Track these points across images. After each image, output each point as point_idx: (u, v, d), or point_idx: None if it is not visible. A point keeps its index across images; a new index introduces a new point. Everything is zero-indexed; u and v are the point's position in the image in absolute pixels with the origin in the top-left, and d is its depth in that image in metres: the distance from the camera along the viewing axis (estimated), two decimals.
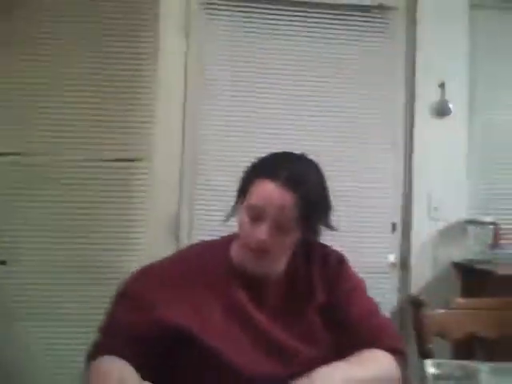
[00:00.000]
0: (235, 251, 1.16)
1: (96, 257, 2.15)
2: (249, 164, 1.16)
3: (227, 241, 1.20)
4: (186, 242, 2.17)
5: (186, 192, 2.24)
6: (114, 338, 1.07)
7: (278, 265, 1.15)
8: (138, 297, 1.10)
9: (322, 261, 1.19)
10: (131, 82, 2.18)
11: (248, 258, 1.12)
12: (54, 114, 2.19)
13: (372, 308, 1.20)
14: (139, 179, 2.19)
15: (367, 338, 1.12)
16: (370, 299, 1.22)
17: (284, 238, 1.10)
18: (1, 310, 2.12)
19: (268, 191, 1.07)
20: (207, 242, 1.26)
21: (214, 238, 1.25)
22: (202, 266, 1.16)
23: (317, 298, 1.16)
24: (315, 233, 1.16)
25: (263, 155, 1.16)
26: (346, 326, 1.14)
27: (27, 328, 2.13)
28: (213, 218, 2.16)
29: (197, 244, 1.29)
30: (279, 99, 2.36)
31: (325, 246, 1.23)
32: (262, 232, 1.07)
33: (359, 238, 2.36)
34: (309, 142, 2.23)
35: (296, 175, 1.09)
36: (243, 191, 1.14)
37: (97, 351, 1.07)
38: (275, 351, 1.11)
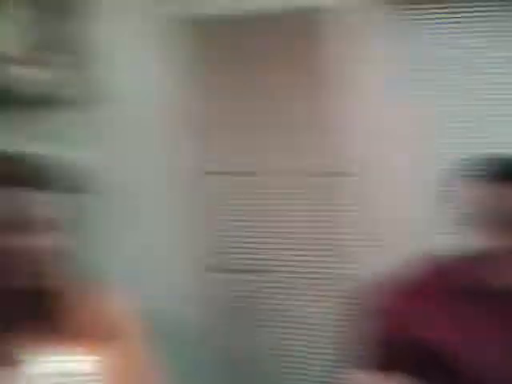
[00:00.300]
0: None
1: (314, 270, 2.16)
2: None
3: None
4: None
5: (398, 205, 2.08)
6: (372, 353, 1.04)
7: None
8: (392, 312, 1.07)
9: None
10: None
11: None
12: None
13: None
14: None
15: None
16: None
17: None
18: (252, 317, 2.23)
19: None
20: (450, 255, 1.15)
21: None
22: (441, 282, 1.08)
23: None
24: None
25: None
26: None
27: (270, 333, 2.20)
28: None
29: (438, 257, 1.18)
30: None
31: None
32: None
33: None
34: None
35: None
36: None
37: (356, 363, 1.06)
38: None
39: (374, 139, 2.11)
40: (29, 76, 1.94)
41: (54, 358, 0.97)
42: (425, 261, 1.19)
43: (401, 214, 2.08)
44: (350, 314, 1.14)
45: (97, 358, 1.00)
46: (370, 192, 2.13)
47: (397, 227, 2.08)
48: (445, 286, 1.09)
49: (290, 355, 2.20)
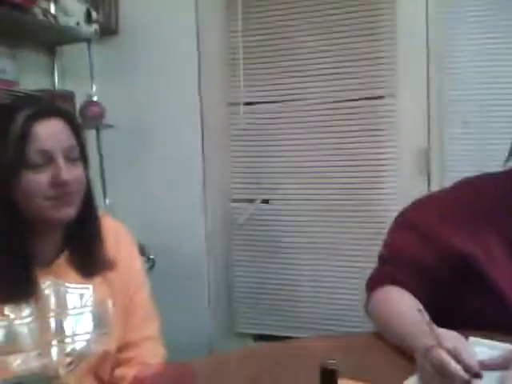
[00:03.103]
0: None
1: (351, 195, 2.16)
2: None
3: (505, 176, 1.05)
4: (437, 179, 2.05)
5: (434, 129, 2.07)
6: (398, 267, 1.04)
7: None
8: (420, 226, 1.06)
9: None
10: (372, 17, 2.06)
11: None
12: (295, 61, 2.19)
13: None
14: (386, 116, 2.11)
15: None
16: None
17: None
18: (269, 244, 2.27)
19: None
20: (487, 174, 1.11)
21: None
22: (482, 199, 1.05)
23: None
24: None
25: None
26: None
27: (294, 260, 2.24)
28: (466, 156, 2.00)
29: (476, 176, 1.13)
30: None
31: None
32: None
33: None
34: None
35: None
36: None
37: (380, 279, 1.06)
38: None
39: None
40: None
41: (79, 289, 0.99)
42: (465, 181, 1.14)
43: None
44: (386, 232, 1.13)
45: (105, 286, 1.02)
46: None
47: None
48: (484, 203, 1.04)
49: (318, 280, 2.21)
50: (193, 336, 2.17)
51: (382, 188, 2.12)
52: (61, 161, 0.91)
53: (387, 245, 1.11)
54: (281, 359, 0.97)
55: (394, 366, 0.90)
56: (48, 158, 0.90)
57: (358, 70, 2.12)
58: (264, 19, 2.22)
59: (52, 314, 0.95)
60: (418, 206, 1.11)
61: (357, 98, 2.14)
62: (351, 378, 0.80)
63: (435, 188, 1.99)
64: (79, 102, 2.13)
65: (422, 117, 2.09)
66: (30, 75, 2.05)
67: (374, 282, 1.09)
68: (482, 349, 0.88)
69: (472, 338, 0.91)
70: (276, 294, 2.27)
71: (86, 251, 1.00)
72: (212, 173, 2.33)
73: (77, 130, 0.96)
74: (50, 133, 0.90)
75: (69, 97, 2.12)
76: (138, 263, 1.11)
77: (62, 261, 0.99)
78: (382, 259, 1.11)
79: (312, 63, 2.17)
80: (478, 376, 0.74)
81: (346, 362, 0.80)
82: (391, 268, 1.07)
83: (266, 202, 2.28)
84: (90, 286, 1.01)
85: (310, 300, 2.23)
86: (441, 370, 0.75)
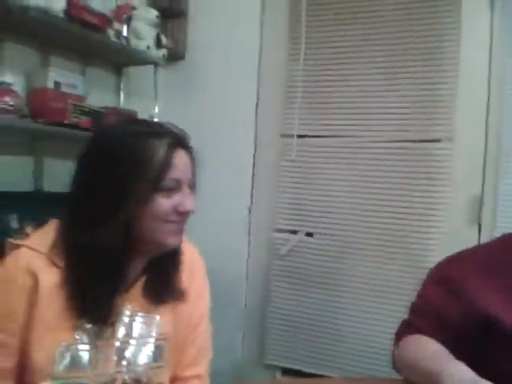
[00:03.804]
0: None
1: (398, 237, 2.14)
2: None
3: None
4: (488, 229, 2.02)
5: (489, 175, 2.06)
6: (426, 319, 1.05)
7: None
8: (451, 281, 1.06)
9: None
10: (433, 61, 2.09)
11: None
12: (351, 98, 2.23)
13: None
14: (442, 160, 2.10)
15: None
16: None
17: None
18: (308, 278, 2.26)
19: None
20: None
21: None
22: None
23: None
24: None
25: None
26: None
27: (332, 297, 2.23)
28: None
29: (507, 234, 1.15)
30: None
31: None
32: None
33: None
34: None
35: None
36: None
37: (407, 329, 1.08)
38: None
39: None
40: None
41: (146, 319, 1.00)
42: (504, 237, 1.13)
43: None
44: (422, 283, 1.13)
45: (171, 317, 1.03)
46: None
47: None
48: (507, 260, 1.04)
49: (354, 320, 2.16)
50: (223, 361, 2.16)
51: (431, 233, 2.06)
52: (187, 190, 0.97)
53: (419, 296, 1.12)
54: None
55: None
56: (178, 186, 0.96)
57: (415, 111, 2.10)
58: (325, 55, 2.25)
59: (117, 342, 0.97)
60: (452, 259, 1.11)
61: (412, 139, 2.11)
62: None
63: (485, 238, 1.93)
64: None
65: (477, 163, 2.04)
66: (97, 92, 2.16)
67: (402, 331, 1.08)
68: None
69: None
70: (310, 329, 2.23)
71: (162, 280, 1.02)
72: (259, 201, 2.36)
73: (196, 162, 1.01)
74: (184, 162, 0.97)
75: (132, 115, 2.22)
76: (207, 294, 1.13)
77: (138, 287, 1.01)
78: (412, 310, 1.11)
79: (369, 101, 2.17)
80: None
81: None
82: (419, 320, 1.07)
83: (309, 235, 2.27)
84: (157, 316, 1.02)
85: (343, 339, 2.18)
86: None
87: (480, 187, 2.05)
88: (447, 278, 1.07)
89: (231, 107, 2.37)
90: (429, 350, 0.99)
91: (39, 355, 0.89)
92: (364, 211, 2.17)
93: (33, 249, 0.93)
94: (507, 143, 2.00)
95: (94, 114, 1.90)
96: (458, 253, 1.13)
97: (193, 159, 0.99)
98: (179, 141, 0.97)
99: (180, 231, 0.98)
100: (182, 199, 0.95)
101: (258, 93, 2.36)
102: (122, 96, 2.34)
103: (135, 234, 0.94)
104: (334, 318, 2.20)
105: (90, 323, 0.93)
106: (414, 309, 1.11)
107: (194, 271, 1.09)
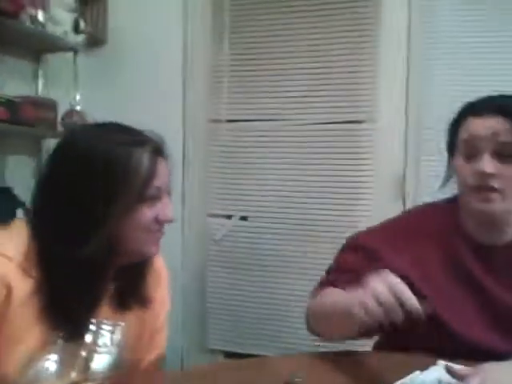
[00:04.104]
0: (462, 217, 1.09)
1: (327, 216, 2.19)
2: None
3: (452, 204, 1.13)
4: (411, 202, 2.10)
5: (411, 153, 2.14)
6: (341, 277, 1.09)
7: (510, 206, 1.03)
8: (367, 249, 1.11)
9: None
10: (355, 44, 2.14)
11: (476, 206, 1.03)
12: (279, 81, 2.24)
13: None
14: (366, 140, 2.17)
15: None
16: None
17: (508, 172, 1.00)
18: (245, 261, 2.27)
19: (476, 124, 1.03)
20: (433, 203, 1.21)
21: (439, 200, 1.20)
22: (425, 224, 1.12)
23: None
24: None
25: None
26: None
27: (269, 278, 2.25)
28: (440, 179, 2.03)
29: (423, 205, 1.25)
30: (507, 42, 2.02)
31: None
32: (482, 165, 1.00)
33: None
34: None
35: (500, 103, 1.04)
36: (453, 139, 1.09)
37: (321, 287, 1.12)
38: (502, 319, 1.02)
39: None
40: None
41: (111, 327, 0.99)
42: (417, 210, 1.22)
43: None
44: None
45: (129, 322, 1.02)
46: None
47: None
48: (416, 227, 1.12)
49: (291, 299, 2.21)
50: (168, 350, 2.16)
51: (358, 211, 2.15)
52: (167, 198, 0.95)
53: (335, 260, 1.17)
54: (247, 377, 0.97)
55: (359, 383, 0.92)
56: (159, 194, 0.93)
57: (339, 94, 2.17)
58: (250, 39, 2.26)
59: (84, 351, 0.95)
60: (368, 230, 1.18)
61: (337, 121, 2.18)
62: None
63: None
64: (62, 110, 2.13)
65: (399, 143, 2.14)
66: (13, 81, 2.05)
67: (316, 289, 1.13)
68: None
69: (441, 362, 0.93)
70: (250, 311, 2.27)
71: (130, 288, 1.01)
72: (191, 187, 2.34)
73: (172, 170, 0.99)
74: (164, 170, 0.95)
75: (51, 105, 2.12)
76: (168, 300, 1.13)
77: (105, 296, 0.98)
78: (328, 272, 1.16)
79: (295, 85, 2.21)
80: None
81: (311, 379, 0.81)
82: (334, 277, 1.12)
83: (244, 218, 2.29)
84: (123, 324, 1.00)
85: (282, 319, 2.23)
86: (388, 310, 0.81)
87: (402, 165, 2.15)
88: (363, 246, 1.12)
89: (156, 93, 2.32)
90: (344, 292, 1.02)
91: (7, 367, 0.86)
92: (295, 192, 2.22)
93: (6, 256, 0.87)
94: (426, 122, 2.10)
95: (9, 104, 1.81)
96: (375, 225, 1.19)
97: (170, 166, 0.98)
98: (160, 149, 0.95)
99: (159, 240, 0.98)
100: (163, 208, 0.94)
101: (183, 78, 2.33)
102: (40, 84, 2.23)
103: (117, 245, 0.92)
104: (272, 299, 2.25)
105: (63, 337, 0.90)
106: (330, 271, 1.16)
107: (160, 279, 1.09)
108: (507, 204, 1.02)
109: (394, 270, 1.02)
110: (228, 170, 2.30)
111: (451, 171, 1.12)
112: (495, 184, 1.00)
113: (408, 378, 0.91)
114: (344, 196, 2.18)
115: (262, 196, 2.26)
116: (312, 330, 1.12)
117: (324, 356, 1.04)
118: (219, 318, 2.31)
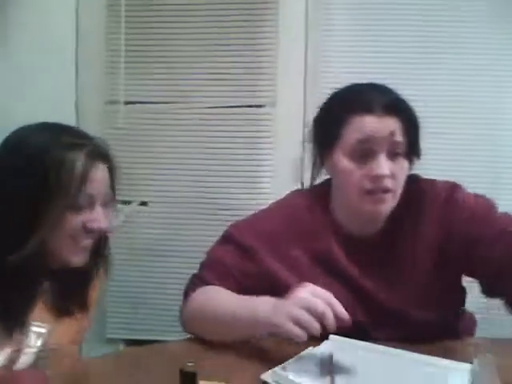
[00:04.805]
0: (336, 211, 1.08)
1: (227, 201, 2.18)
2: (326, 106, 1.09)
3: (320, 191, 1.13)
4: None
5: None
6: (215, 272, 1.08)
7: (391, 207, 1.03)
8: (239, 243, 1.10)
9: (430, 201, 1.06)
10: (255, 27, 2.14)
11: (367, 208, 1.01)
12: (180, 63, 2.18)
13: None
14: (265, 125, 2.17)
15: None
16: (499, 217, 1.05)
17: (399, 172, 1.00)
18: (144, 247, 2.23)
19: (370, 123, 0.98)
20: (302, 193, 1.21)
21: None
22: (294, 217, 1.11)
23: (426, 255, 1.05)
24: (419, 154, 1.06)
25: (337, 92, 1.10)
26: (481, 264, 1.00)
27: (170, 263, 2.22)
28: None
29: (293, 194, 1.23)
30: (406, 34, 2.13)
31: (429, 182, 1.10)
32: (379, 168, 0.96)
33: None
34: (424, 72, 2.10)
35: (392, 100, 1.01)
36: (333, 136, 1.03)
37: (196, 285, 1.10)
38: (364, 304, 1.04)
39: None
40: None
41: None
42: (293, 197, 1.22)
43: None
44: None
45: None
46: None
47: None
48: (287, 222, 1.12)
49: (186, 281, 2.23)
50: None
51: (257, 194, 2.18)
52: (99, 207, 0.90)
53: (208, 254, 1.16)
54: (143, 363, 0.96)
55: (250, 363, 0.94)
56: (91, 202, 0.89)
57: (239, 78, 2.17)
58: (148, 19, 2.19)
59: (9, 352, 0.91)
60: (244, 223, 1.17)
61: (237, 105, 2.19)
62: (210, 379, 0.82)
63: None
64: None
65: (298, 127, 2.18)
66: None
67: (191, 287, 1.11)
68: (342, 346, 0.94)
69: (333, 337, 0.97)
70: (150, 297, 2.23)
71: (63, 292, 0.97)
72: None
73: (115, 177, 0.95)
74: (101, 177, 0.90)
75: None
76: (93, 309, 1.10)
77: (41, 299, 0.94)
78: (204, 266, 1.14)
79: (194, 67, 2.18)
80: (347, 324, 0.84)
81: (205, 363, 0.82)
82: (209, 273, 1.10)
83: (144, 204, 2.24)
84: (52, 326, 0.96)
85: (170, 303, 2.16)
86: (320, 317, 0.82)
87: (301, 149, 2.19)
88: (238, 241, 1.11)
89: (47, 75, 2.17)
90: (225, 294, 1.03)
91: None
92: (195, 177, 2.21)
93: None
94: None
95: None
96: (252, 215, 1.19)
97: (111, 171, 0.94)
98: (98, 152, 0.90)
99: (86, 250, 0.94)
100: (93, 216, 0.90)
101: (76, 58, 2.20)
102: None
103: (44, 251, 0.88)
104: (173, 284, 2.20)
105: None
106: (204, 266, 1.14)
107: (95, 285, 1.07)
108: (395, 202, 1.03)
109: (265, 268, 1.06)
110: (126, 154, 2.22)
111: (327, 169, 1.10)
112: (390, 184, 0.99)
113: (303, 353, 0.95)
114: (244, 180, 2.20)
115: (162, 181, 2.23)
116: (190, 331, 1.09)
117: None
118: (119, 306, 2.25)
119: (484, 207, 1.06)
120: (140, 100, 2.22)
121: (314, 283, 0.94)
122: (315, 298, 0.85)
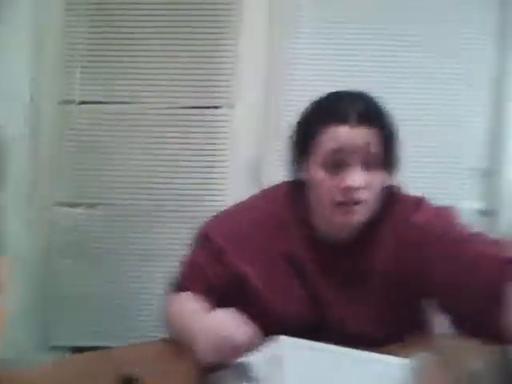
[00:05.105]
0: (312, 217, 1.06)
1: (183, 202, 2.16)
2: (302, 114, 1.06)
3: (292, 193, 1.11)
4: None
5: (267, 140, 2.15)
6: (192, 278, 1.09)
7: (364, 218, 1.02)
8: (211, 242, 1.10)
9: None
10: (215, 28, 2.13)
11: (338, 220, 1.00)
12: (135, 63, 2.15)
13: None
14: (223, 126, 2.16)
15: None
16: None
17: (374, 183, 0.98)
18: (93, 251, 2.18)
19: (345, 133, 0.96)
20: (274, 191, 1.18)
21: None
22: (266, 217, 1.10)
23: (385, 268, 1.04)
24: (396, 170, 1.05)
25: (317, 98, 1.05)
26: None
27: (119, 267, 2.18)
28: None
29: (265, 193, 1.21)
30: (366, 38, 2.15)
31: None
32: (354, 178, 0.95)
33: (442, 183, 2.18)
34: (390, 80, 2.14)
35: (368, 110, 0.99)
36: (308, 146, 1.01)
37: (175, 288, 1.11)
38: (321, 313, 1.04)
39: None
40: None
41: None
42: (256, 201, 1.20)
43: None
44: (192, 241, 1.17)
45: None
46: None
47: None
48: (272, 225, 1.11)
49: (142, 287, 2.18)
50: (5, 350, 1.99)
51: (214, 196, 2.15)
52: None
53: (187, 256, 1.16)
54: (84, 371, 0.92)
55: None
56: None
57: (196, 79, 2.15)
58: (105, 17, 2.15)
59: None
60: (216, 221, 1.17)
61: (194, 105, 2.17)
62: None
63: None
64: None
65: (256, 129, 2.18)
66: None
67: (170, 291, 1.13)
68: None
69: (281, 337, 0.96)
70: (96, 302, 2.17)
71: None
72: (39, 173, 2.17)
73: None
74: None
75: None
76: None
77: None
78: (183, 266, 1.15)
79: (151, 67, 2.15)
80: (255, 347, 0.84)
81: (149, 368, 0.80)
82: (186, 279, 1.12)
83: (93, 206, 2.18)
84: None
85: (131, 308, 2.18)
86: (224, 346, 0.83)
87: (259, 151, 2.19)
88: (210, 240, 1.11)
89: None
90: (189, 307, 1.03)
91: None
92: (150, 178, 2.17)
93: None
94: (284, 110, 2.14)
95: None
96: (225, 211, 1.19)
97: None
98: None
99: None
100: None
101: (31, 55, 2.13)
102: None
103: None
104: (120, 288, 2.18)
105: None
106: (183, 267, 1.15)
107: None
108: (369, 212, 1.02)
109: (234, 270, 1.06)
110: (78, 155, 2.17)
111: (304, 177, 1.07)
112: (363, 196, 0.98)
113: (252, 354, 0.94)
114: (200, 181, 2.17)
115: (113, 182, 2.17)
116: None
117: (169, 343, 1.03)
118: (64, 312, 2.18)
119: (438, 227, 1.04)
120: (95, 100, 2.17)
121: (278, 286, 0.94)
122: (220, 325, 0.87)
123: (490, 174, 2.25)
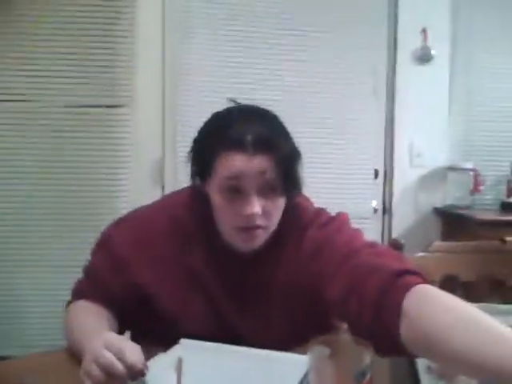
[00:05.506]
0: (222, 232, 1.01)
1: (83, 204, 2.07)
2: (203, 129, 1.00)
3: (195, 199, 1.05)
4: (171, 187, 1.99)
5: (168, 139, 2.15)
6: (92, 286, 1.05)
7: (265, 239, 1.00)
8: (114, 255, 1.03)
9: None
10: (111, 26, 2.10)
11: (239, 244, 0.98)
12: (36, 60, 2.06)
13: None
14: (123, 125, 2.11)
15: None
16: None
17: (272, 209, 0.96)
18: None
19: (240, 161, 0.92)
20: (178, 196, 1.11)
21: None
22: (168, 224, 1.04)
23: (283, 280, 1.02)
24: (298, 188, 1.01)
25: (214, 117, 1.00)
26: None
27: (17, 276, 2.08)
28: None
29: (169, 197, 1.15)
30: (259, 47, 2.24)
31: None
32: (250, 207, 0.93)
33: (343, 185, 2.38)
34: (288, 92, 2.23)
35: (264, 136, 0.94)
36: (206, 169, 0.96)
37: (76, 295, 1.06)
38: (222, 325, 1.01)
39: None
40: None
41: None
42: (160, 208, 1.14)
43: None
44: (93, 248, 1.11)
45: None
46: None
47: None
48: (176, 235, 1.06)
49: (43, 294, 2.10)
50: None
51: (117, 197, 2.11)
52: None
53: (89, 261, 1.09)
54: None
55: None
56: None
57: (95, 77, 2.10)
58: (5, 12, 2.04)
59: None
60: (117, 227, 1.10)
61: (93, 105, 2.11)
62: None
63: None
64: None
65: (157, 128, 2.17)
66: None
67: (72, 296, 1.07)
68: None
69: (184, 340, 0.94)
70: None
71: None
72: None
73: None
74: None
75: None
76: None
77: None
78: (84, 272, 1.09)
79: (49, 64, 2.08)
80: (140, 373, 0.78)
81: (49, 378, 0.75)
82: (87, 286, 1.06)
83: None
84: None
85: (25, 316, 2.09)
86: (108, 371, 0.77)
87: (161, 150, 2.18)
88: (111, 248, 1.05)
89: None
90: (82, 321, 0.99)
91: None
92: (48, 180, 2.08)
93: None
94: (182, 109, 2.17)
95: None
96: (126, 216, 1.12)
97: None
98: None
99: None
100: None
101: None
102: None
103: None
104: (18, 296, 2.08)
105: None
106: (84, 274, 1.09)
107: None
108: (269, 234, 1.01)
109: (136, 282, 1.01)
110: None
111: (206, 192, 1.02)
112: (262, 222, 0.96)
113: (153, 359, 0.91)
114: (101, 183, 2.12)
115: (10, 185, 2.06)
116: None
117: (58, 354, 0.98)
118: None
119: (333, 241, 1.02)
120: None
121: (183, 301, 0.92)
122: (105, 349, 0.81)
123: (384, 176, 2.47)
